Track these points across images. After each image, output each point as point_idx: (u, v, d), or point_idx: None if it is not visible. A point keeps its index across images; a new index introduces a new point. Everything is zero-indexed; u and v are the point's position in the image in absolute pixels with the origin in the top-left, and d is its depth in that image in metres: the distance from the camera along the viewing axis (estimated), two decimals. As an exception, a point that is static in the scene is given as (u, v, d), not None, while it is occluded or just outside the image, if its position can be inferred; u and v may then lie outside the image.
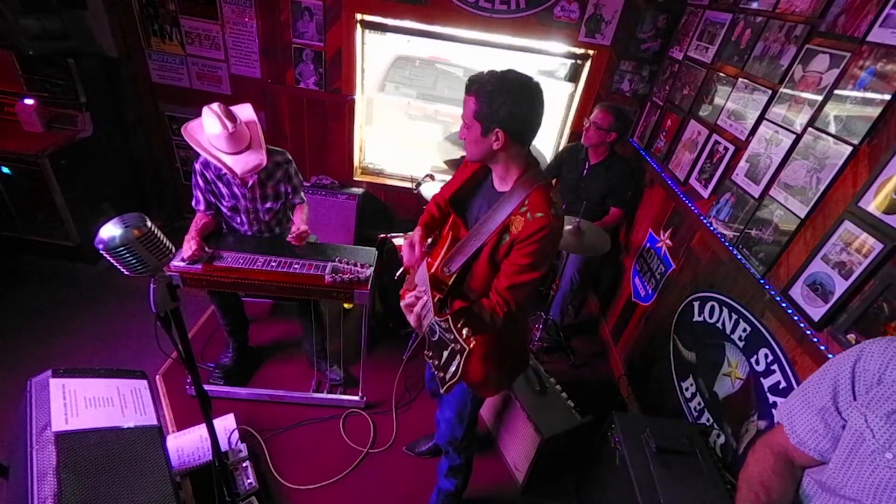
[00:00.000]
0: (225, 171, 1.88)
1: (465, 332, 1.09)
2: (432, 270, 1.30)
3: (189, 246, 1.89)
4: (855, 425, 0.79)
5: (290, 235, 2.03)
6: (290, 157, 2.11)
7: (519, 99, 1.11)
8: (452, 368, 1.12)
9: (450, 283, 1.28)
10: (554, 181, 3.14)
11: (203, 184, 1.99)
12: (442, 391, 1.16)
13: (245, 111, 2.00)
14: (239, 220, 2.13)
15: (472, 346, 1.07)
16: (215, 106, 1.85)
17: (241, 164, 1.87)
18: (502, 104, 1.10)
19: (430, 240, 1.51)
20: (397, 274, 1.52)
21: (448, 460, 1.75)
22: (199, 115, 1.94)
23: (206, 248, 1.94)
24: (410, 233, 1.47)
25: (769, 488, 0.89)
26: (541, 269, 1.20)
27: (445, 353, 1.16)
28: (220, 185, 2.01)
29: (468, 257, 1.26)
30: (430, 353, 1.25)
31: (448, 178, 3.14)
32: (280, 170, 2.06)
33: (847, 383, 0.82)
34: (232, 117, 1.87)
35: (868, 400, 0.78)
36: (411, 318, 1.16)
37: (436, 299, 1.19)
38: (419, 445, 2.15)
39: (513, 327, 1.41)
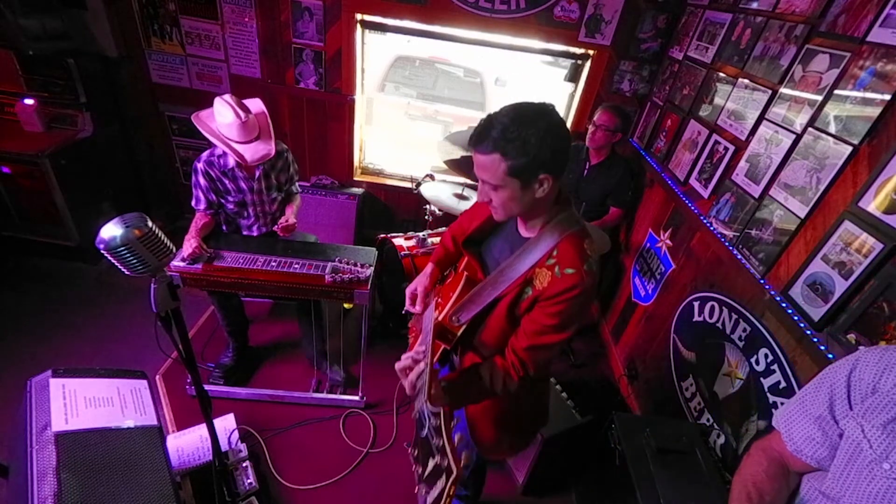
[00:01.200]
0: (235, 158, 1.91)
1: (456, 439, 0.89)
2: (440, 317, 1.15)
3: (189, 245, 1.90)
4: (852, 435, 0.79)
5: (277, 226, 2.07)
6: (287, 147, 2.17)
7: (551, 131, 0.94)
8: (435, 492, 0.88)
9: (458, 333, 1.13)
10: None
11: (206, 182, 1.99)
12: None
13: (255, 104, 2.06)
14: (245, 215, 2.15)
15: (461, 466, 0.85)
16: (227, 96, 1.90)
17: (251, 152, 1.92)
18: (541, 146, 0.92)
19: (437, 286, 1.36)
20: (405, 309, 1.34)
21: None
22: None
23: (206, 248, 1.94)
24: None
25: (761, 490, 0.89)
26: (568, 330, 1.03)
27: (431, 464, 0.93)
28: (226, 181, 2.02)
29: (482, 308, 1.10)
30: (416, 454, 1.04)
31: (449, 178, 3.16)
32: (281, 160, 2.12)
33: (843, 393, 0.82)
34: (244, 107, 1.93)
35: (864, 410, 0.78)
36: (405, 385, 1.03)
37: (440, 350, 1.08)
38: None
39: (533, 387, 1.24)
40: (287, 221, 2.08)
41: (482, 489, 1.77)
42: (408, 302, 1.32)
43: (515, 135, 0.92)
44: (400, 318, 2.57)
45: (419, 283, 1.34)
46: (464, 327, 1.13)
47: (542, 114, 0.95)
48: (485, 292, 1.10)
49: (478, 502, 1.80)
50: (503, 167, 0.94)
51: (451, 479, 0.84)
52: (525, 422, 1.34)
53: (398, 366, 1.07)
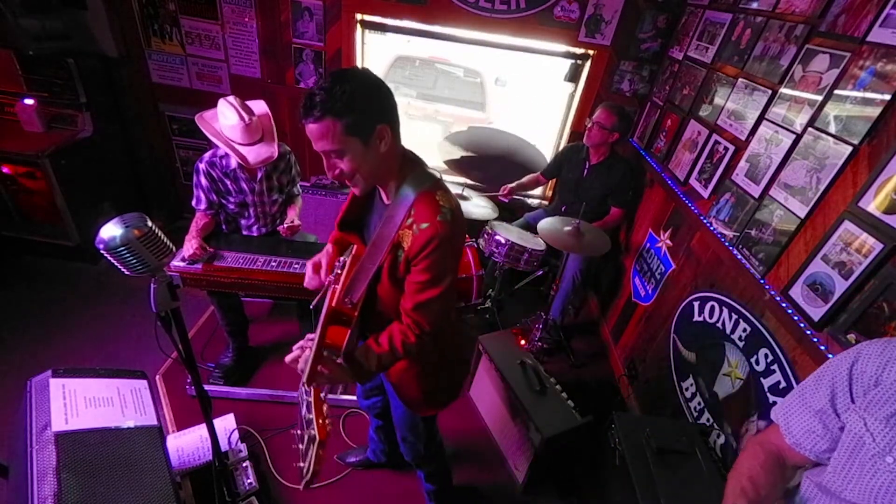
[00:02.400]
0: (237, 160, 1.91)
1: (324, 408, 0.95)
2: (334, 302, 1.15)
3: (190, 245, 1.90)
4: (854, 429, 0.78)
5: (282, 226, 2.07)
6: (290, 149, 2.17)
7: (367, 83, 0.97)
8: (307, 461, 0.93)
9: (355, 315, 1.13)
10: (553, 181, 3.15)
11: (207, 183, 1.99)
12: (301, 488, 1.02)
13: (259, 105, 2.06)
14: (246, 216, 2.15)
15: (325, 432, 0.92)
16: (232, 98, 1.90)
17: (253, 154, 1.92)
18: (366, 98, 0.95)
19: (342, 258, 1.32)
20: (314, 302, 1.30)
21: (421, 472, 1.73)
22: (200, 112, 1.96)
23: (207, 248, 1.94)
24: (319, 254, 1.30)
25: (756, 483, 0.89)
26: (444, 281, 1.08)
27: (306, 437, 0.96)
28: (228, 182, 2.02)
29: (367, 282, 1.12)
30: (299, 432, 1.04)
31: (449, 178, 3.16)
32: (283, 161, 2.12)
33: (844, 386, 0.82)
34: (248, 110, 1.93)
35: (866, 403, 0.78)
36: (299, 372, 1.05)
37: (347, 335, 1.10)
38: (349, 456, 2.05)
39: (443, 340, 1.28)
40: (293, 223, 2.09)
41: (449, 481, 1.80)
42: (309, 271, 1.28)
43: (339, 93, 0.93)
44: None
45: (322, 256, 1.31)
46: (358, 307, 1.14)
47: (353, 71, 0.98)
48: (365, 267, 1.12)
49: (451, 495, 1.83)
50: (339, 128, 0.95)
51: (316, 445, 0.91)
52: (446, 373, 1.39)
53: (287, 359, 1.12)
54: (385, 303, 1.19)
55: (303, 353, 1.09)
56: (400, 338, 1.13)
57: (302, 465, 0.97)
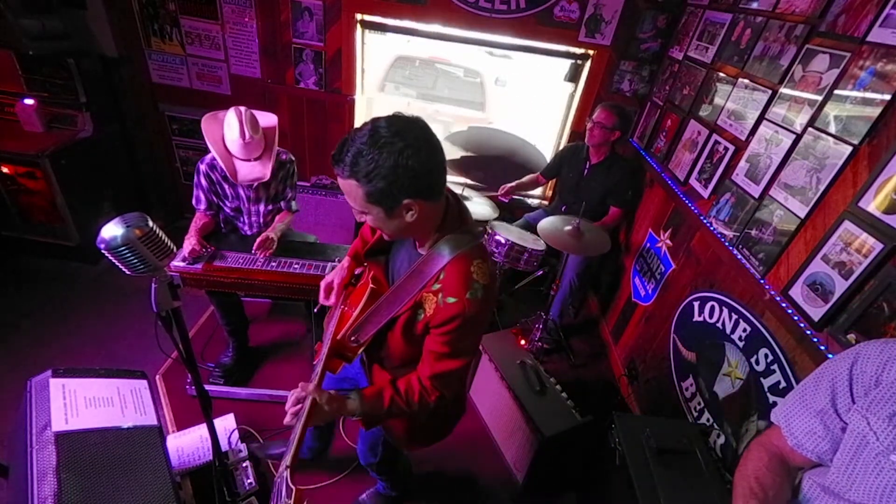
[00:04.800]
0: (226, 172, 1.89)
1: (291, 455, 0.88)
2: (340, 335, 1.11)
3: (189, 243, 1.90)
4: (857, 428, 0.78)
5: (255, 245, 1.93)
6: (294, 160, 2.14)
7: (413, 149, 0.85)
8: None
9: (358, 353, 1.11)
10: (554, 181, 3.15)
11: (206, 184, 1.99)
12: None
13: (268, 118, 2.02)
14: (242, 221, 2.15)
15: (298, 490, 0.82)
16: (242, 110, 1.86)
17: (245, 171, 1.90)
18: (394, 168, 0.84)
19: (358, 271, 1.33)
20: (316, 309, 1.33)
21: (376, 472, 1.69)
22: (200, 115, 1.95)
23: (206, 246, 1.94)
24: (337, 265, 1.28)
25: (764, 484, 0.89)
26: (464, 356, 1.02)
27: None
28: (226, 186, 2.02)
29: (379, 328, 1.07)
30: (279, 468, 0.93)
31: (448, 178, 3.16)
32: (283, 170, 2.09)
33: (845, 386, 0.82)
34: (254, 126, 1.89)
35: (868, 403, 0.78)
36: (287, 418, 0.99)
37: (340, 366, 1.09)
38: (271, 448, 1.95)
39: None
40: (267, 236, 1.95)
41: (405, 485, 1.82)
42: (322, 294, 1.27)
43: (369, 159, 0.84)
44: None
45: (336, 276, 1.29)
46: (362, 348, 1.10)
47: (399, 133, 0.85)
48: (381, 312, 1.07)
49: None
50: (361, 193, 0.88)
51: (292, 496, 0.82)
52: (438, 423, 1.34)
53: (288, 405, 1.03)
54: (392, 349, 1.13)
55: (299, 406, 1.01)
56: (418, 392, 1.05)
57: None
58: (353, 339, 1.09)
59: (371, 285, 1.15)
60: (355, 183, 0.87)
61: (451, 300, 0.95)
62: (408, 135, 0.86)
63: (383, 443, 1.46)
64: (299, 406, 1.00)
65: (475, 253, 1.00)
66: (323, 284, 1.29)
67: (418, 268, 1.01)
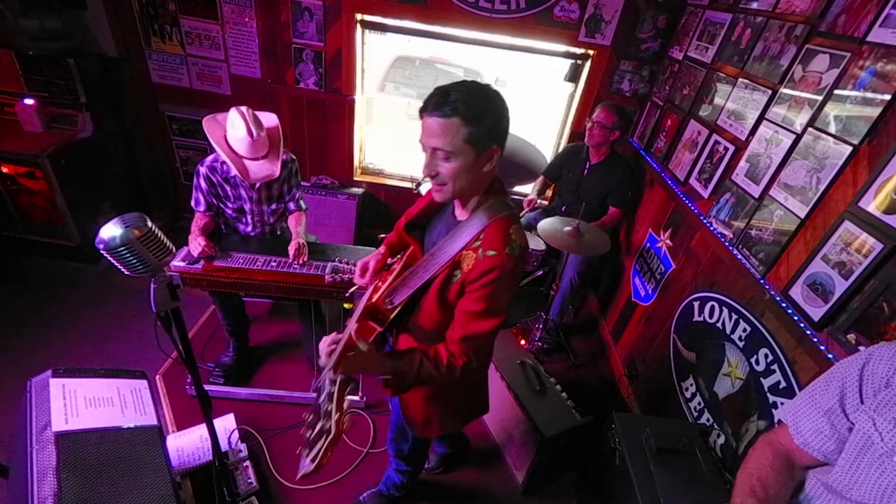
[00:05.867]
0: (235, 173, 1.89)
1: (346, 404, 0.92)
2: (374, 299, 1.15)
3: (198, 243, 1.90)
4: (863, 429, 0.79)
5: (291, 254, 1.98)
6: (294, 158, 2.14)
7: (503, 107, 0.99)
8: (314, 452, 0.90)
9: (391, 316, 1.13)
10: (554, 183, 3.15)
11: (207, 187, 1.99)
12: (297, 477, 0.95)
13: (269, 118, 2.03)
14: (244, 222, 2.14)
15: (341, 429, 0.89)
16: (244, 109, 1.86)
17: (255, 169, 1.90)
18: (500, 115, 0.97)
19: (391, 261, 1.37)
20: (349, 292, 1.37)
21: (396, 464, 1.72)
22: (201, 115, 1.94)
23: (214, 245, 1.95)
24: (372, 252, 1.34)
25: (766, 483, 0.89)
26: (496, 315, 1.05)
27: (317, 427, 0.94)
28: (227, 188, 2.02)
29: (413, 291, 1.11)
30: (309, 419, 1.01)
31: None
32: (285, 169, 2.09)
33: (854, 386, 0.83)
34: (259, 124, 1.89)
35: (876, 404, 0.78)
36: (321, 355, 1.03)
37: (375, 334, 1.10)
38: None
39: (469, 378, 1.24)
40: (298, 244, 1.99)
41: (423, 465, 1.80)
42: (357, 272, 1.33)
43: (478, 103, 0.94)
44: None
45: (372, 258, 1.35)
46: (397, 310, 1.13)
47: (493, 90, 0.98)
48: (417, 275, 1.11)
49: (417, 479, 1.82)
50: (462, 133, 0.94)
51: (328, 440, 0.88)
52: (460, 400, 1.36)
53: (323, 344, 1.08)
54: (423, 316, 1.16)
55: (336, 346, 1.04)
56: (446, 356, 1.07)
57: (305, 454, 0.93)
58: (387, 300, 1.12)
59: (406, 259, 1.21)
60: (459, 122, 0.93)
61: (491, 252, 1.00)
62: (498, 94, 0.99)
63: (412, 435, 1.46)
64: (334, 347, 1.02)
65: (513, 219, 1.07)
66: (360, 264, 1.34)
67: (459, 229, 1.07)
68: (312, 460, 0.89)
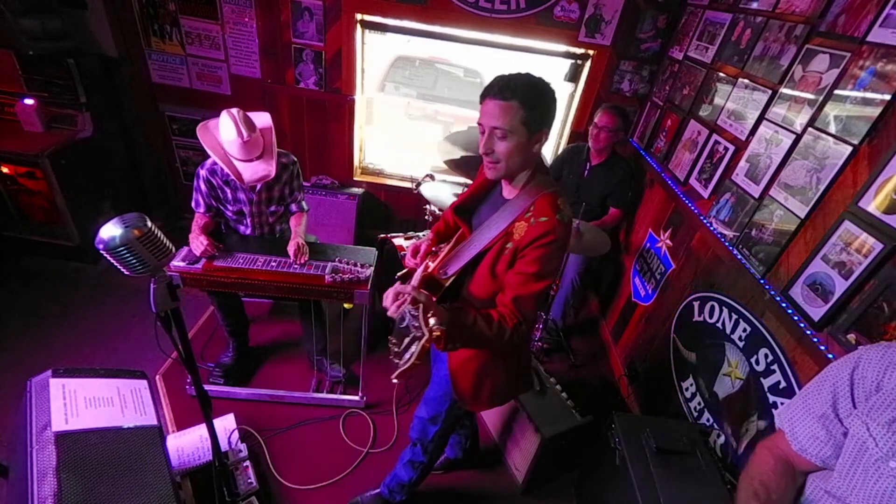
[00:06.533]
0: (234, 178, 1.88)
1: (431, 321, 1.02)
2: (430, 270, 1.25)
3: (200, 242, 1.90)
4: (857, 434, 0.78)
5: (291, 254, 1.98)
6: (296, 160, 2.13)
7: (553, 98, 1.12)
8: (407, 355, 1.08)
9: (446, 285, 1.22)
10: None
11: (207, 189, 1.99)
12: (393, 377, 1.12)
13: (262, 118, 2.01)
14: (244, 224, 2.14)
15: (434, 334, 1.02)
16: (235, 111, 1.85)
17: (249, 171, 1.89)
18: (549, 105, 1.11)
19: (436, 248, 1.47)
20: (398, 275, 1.45)
21: (412, 454, 1.71)
22: (201, 115, 1.93)
23: (217, 244, 1.95)
24: (419, 236, 1.45)
25: (768, 487, 0.89)
26: (547, 278, 1.13)
27: (406, 340, 1.11)
28: (227, 190, 2.01)
29: (467, 262, 1.21)
30: (394, 340, 1.18)
31: (449, 178, 3.16)
32: (286, 172, 2.08)
33: (846, 391, 0.82)
34: (250, 125, 1.88)
35: (868, 408, 0.78)
36: (387, 301, 1.10)
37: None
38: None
39: (515, 348, 1.34)
40: (297, 245, 1.99)
41: (425, 478, 1.79)
42: (409, 253, 1.43)
43: (534, 91, 1.08)
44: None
45: (423, 242, 1.46)
46: (451, 279, 1.22)
47: (546, 83, 1.11)
48: (470, 247, 1.22)
49: (424, 479, 1.80)
50: (520, 115, 1.07)
51: (422, 342, 1.04)
52: (508, 374, 1.42)
53: (389, 292, 1.10)
54: (476, 286, 1.25)
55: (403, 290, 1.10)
56: (498, 318, 1.14)
57: (398, 359, 1.11)
58: (441, 271, 1.22)
59: (457, 238, 1.32)
60: (518, 104, 1.07)
61: (543, 219, 1.11)
62: (549, 87, 1.12)
63: (448, 408, 1.50)
64: (399, 300, 1.09)
65: (559, 192, 1.18)
66: (411, 247, 1.44)
67: (509, 206, 1.18)
68: (406, 361, 1.07)
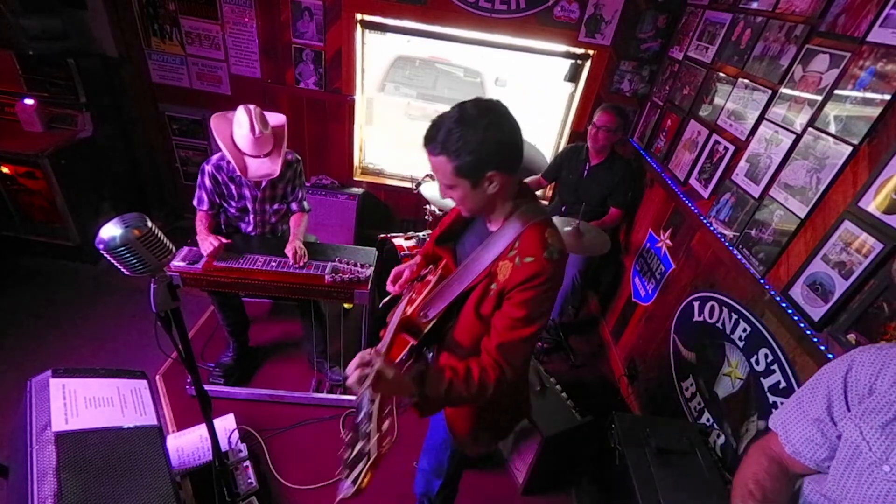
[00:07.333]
0: (237, 168, 1.89)
1: (386, 425, 0.86)
2: (410, 311, 1.13)
3: (209, 242, 1.91)
4: (851, 437, 0.78)
5: (290, 257, 1.97)
6: (300, 158, 2.14)
7: (496, 125, 0.95)
8: (355, 473, 0.84)
9: (426, 330, 1.10)
10: (553, 184, 3.15)
11: (211, 186, 1.99)
12: (336, 499, 0.87)
13: (277, 118, 2.03)
14: (246, 221, 2.15)
15: (382, 451, 0.83)
16: (252, 107, 1.87)
17: (254, 167, 1.90)
18: (482, 143, 0.93)
19: (425, 271, 1.36)
20: (382, 302, 1.35)
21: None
22: (201, 115, 1.94)
23: (224, 242, 1.95)
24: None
25: (763, 487, 0.89)
26: (538, 321, 1.01)
27: (356, 448, 0.87)
28: (232, 187, 2.02)
29: (448, 303, 1.09)
30: (349, 436, 0.92)
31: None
32: (290, 169, 2.09)
33: (840, 394, 0.82)
34: (264, 122, 1.90)
35: (861, 411, 0.77)
36: (350, 373, 0.91)
37: (408, 346, 1.06)
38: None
39: (509, 386, 1.15)
40: (296, 247, 1.99)
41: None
42: (391, 279, 1.34)
43: (458, 135, 0.94)
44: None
45: (407, 267, 1.37)
46: (432, 323, 1.10)
47: (484, 112, 0.95)
48: (451, 287, 1.10)
49: (463, 499, 1.71)
50: (450, 168, 0.97)
51: (368, 464, 0.82)
52: (503, 417, 1.32)
53: (353, 364, 0.93)
54: (460, 331, 1.13)
55: (369, 366, 0.93)
56: (478, 371, 1.01)
57: (345, 476, 0.87)
58: (422, 313, 1.11)
59: (441, 271, 1.21)
60: (445, 158, 0.96)
61: (529, 259, 0.98)
62: (490, 114, 0.96)
63: (450, 456, 1.41)
64: (362, 370, 0.91)
65: (546, 222, 1.06)
66: (394, 271, 1.34)
67: (491, 240, 1.06)
68: (353, 483, 0.84)
